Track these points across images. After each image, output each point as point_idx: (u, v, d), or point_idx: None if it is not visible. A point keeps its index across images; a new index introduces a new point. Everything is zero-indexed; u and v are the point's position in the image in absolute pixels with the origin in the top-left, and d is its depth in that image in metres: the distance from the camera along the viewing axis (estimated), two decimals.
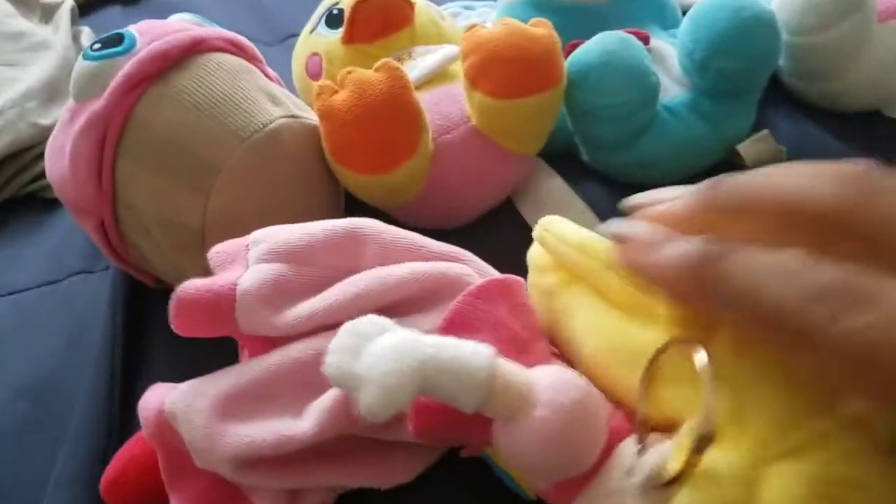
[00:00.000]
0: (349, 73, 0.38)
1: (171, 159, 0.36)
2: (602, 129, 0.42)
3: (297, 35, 0.71)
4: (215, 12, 0.77)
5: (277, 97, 0.40)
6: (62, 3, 0.67)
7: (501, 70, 0.38)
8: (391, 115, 0.37)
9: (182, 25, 0.42)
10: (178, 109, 0.37)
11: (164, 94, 0.37)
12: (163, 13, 0.77)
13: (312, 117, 0.40)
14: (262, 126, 0.37)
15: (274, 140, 0.37)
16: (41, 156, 0.54)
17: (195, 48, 0.39)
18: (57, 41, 0.60)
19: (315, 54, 0.49)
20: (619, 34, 0.41)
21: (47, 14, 0.67)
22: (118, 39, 0.39)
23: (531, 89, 0.38)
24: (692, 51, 0.41)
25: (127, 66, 0.37)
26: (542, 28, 0.40)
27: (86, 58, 0.38)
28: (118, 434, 0.37)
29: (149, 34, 0.39)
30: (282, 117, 0.38)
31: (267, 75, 0.44)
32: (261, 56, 0.45)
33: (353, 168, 0.39)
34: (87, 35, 0.64)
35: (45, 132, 0.53)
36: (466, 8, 0.60)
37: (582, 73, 0.40)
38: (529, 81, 0.38)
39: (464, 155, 0.41)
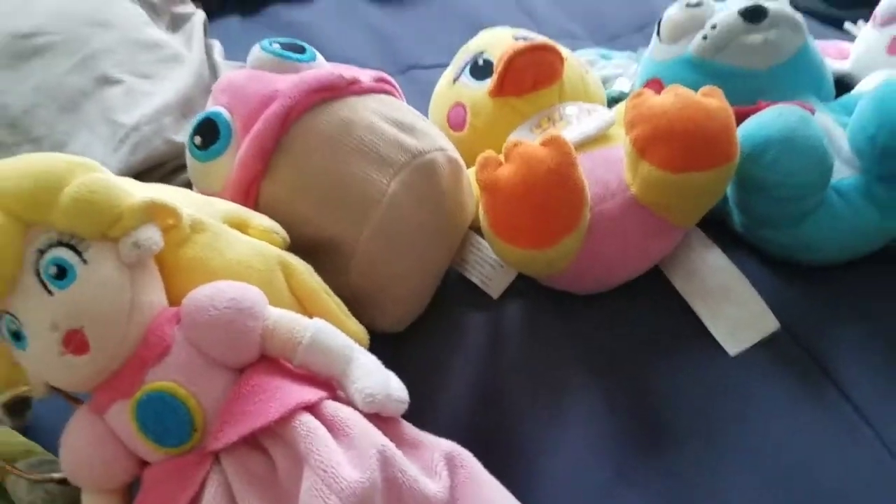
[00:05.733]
0: (515, 146, 0.37)
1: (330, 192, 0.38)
2: (769, 208, 0.40)
3: (418, 67, 0.71)
4: (335, 38, 0.77)
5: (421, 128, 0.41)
6: (194, 13, 0.68)
7: (676, 143, 0.37)
8: (558, 193, 0.36)
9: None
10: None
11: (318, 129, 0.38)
12: (280, 29, 0.78)
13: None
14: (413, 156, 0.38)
15: (430, 170, 0.39)
16: (174, 171, 0.55)
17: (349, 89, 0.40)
18: (191, 55, 0.61)
19: (459, 104, 0.48)
20: (797, 110, 0.39)
21: (176, 23, 0.68)
22: None
23: (706, 164, 0.37)
24: (874, 135, 0.39)
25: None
26: (716, 99, 0.38)
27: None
28: None
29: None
30: (437, 150, 0.40)
31: None
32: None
33: (513, 242, 0.38)
34: (218, 50, 0.64)
35: (179, 148, 0.54)
36: (603, 57, 0.59)
37: (759, 148, 0.38)
38: (705, 156, 0.37)
39: (621, 226, 0.39)
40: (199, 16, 0.68)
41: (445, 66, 0.69)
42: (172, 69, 0.59)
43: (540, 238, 0.37)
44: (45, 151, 0.51)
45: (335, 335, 0.31)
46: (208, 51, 0.63)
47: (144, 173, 0.51)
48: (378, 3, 0.81)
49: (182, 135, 0.54)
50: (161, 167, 0.53)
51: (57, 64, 0.54)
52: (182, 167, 0.54)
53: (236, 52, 0.66)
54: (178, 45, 0.62)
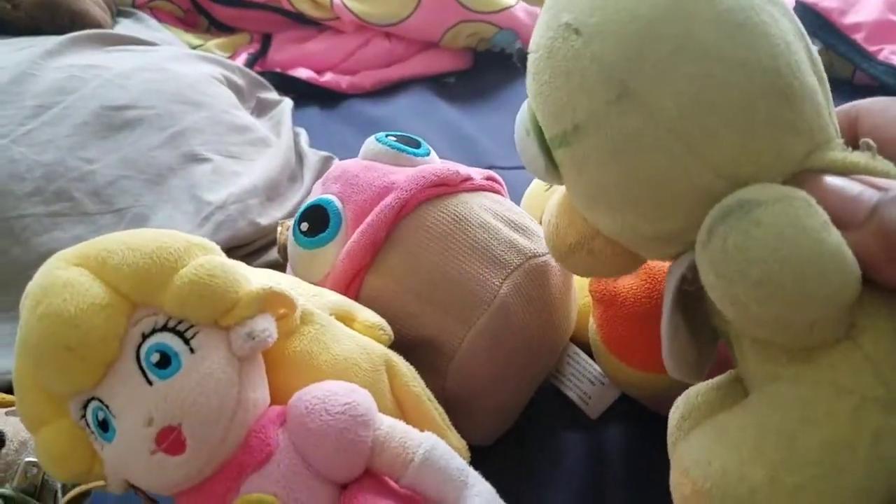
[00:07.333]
0: None
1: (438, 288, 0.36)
2: None
3: (496, 167, 0.70)
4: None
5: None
6: (282, 101, 0.68)
7: None
8: None
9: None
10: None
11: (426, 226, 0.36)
12: (359, 123, 0.78)
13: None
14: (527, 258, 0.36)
15: (542, 273, 0.36)
16: (255, 252, 0.53)
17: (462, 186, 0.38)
18: (280, 141, 0.61)
19: None
20: None
21: (262, 108, 0.68)
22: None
23: None
24: None
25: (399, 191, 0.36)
26: None
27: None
28: None
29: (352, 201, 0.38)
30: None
31: None
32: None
33: (630, 363, 0.35)
34: (304, 138, 0.64)
35: (261, 232, 0.52)
36: None
37: None
38: None
39: None
40: (288, 103, 0.68)
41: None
42: (260, 152, 0.58)
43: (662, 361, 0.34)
44: (127, 223, 0.51)
45: (450, 455, 0.28)
46: (295, 137, 0.63)
47: (226, 253, 0.49)
48: (456, 104, 0.81)
49: (266, 217, 0.52)
50: (242, 248, 0.51)
51: (146, 138, 0.54)
52: (263, 249, 0.53)
53: (315, 143, 0.66)
54: (266, 129, 0.62)
